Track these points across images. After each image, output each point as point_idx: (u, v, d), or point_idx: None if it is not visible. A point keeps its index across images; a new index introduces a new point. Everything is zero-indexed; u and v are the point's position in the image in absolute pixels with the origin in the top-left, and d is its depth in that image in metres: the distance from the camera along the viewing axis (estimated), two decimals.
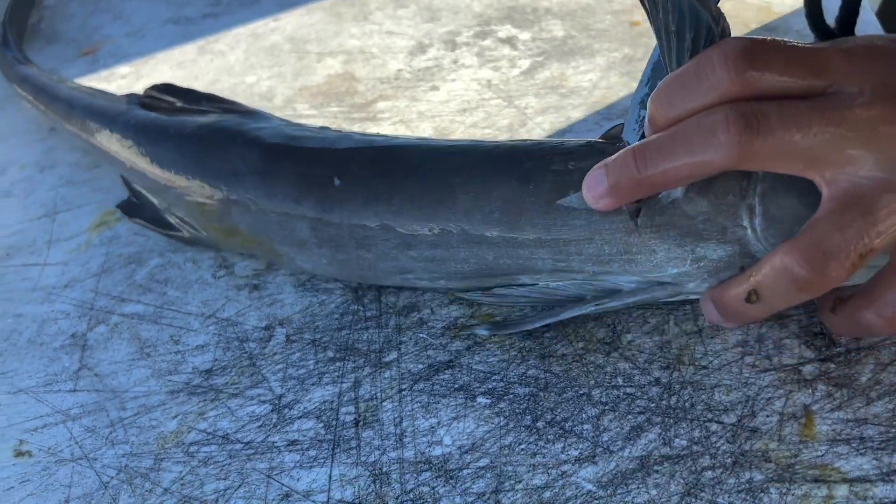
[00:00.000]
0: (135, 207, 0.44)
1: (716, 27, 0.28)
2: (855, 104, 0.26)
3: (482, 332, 0.34)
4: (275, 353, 0.35)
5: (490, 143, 0.35)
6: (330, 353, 0.35)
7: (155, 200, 0.43)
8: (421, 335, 0.35)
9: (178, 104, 0.45)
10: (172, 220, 0.42)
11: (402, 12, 0.60)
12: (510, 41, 0.54)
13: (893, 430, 0.28)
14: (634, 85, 0.47)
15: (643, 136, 0.30)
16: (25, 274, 0.42)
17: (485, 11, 0.58)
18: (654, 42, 0.51)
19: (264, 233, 0.38)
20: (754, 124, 0.26)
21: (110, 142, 0.45)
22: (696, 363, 0.32)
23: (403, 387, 0.33)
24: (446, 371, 0.33)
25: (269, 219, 0.37)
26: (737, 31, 0.51)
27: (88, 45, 0.64)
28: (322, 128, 0.40)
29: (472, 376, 0.33)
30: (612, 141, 0.33)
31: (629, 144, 0.30)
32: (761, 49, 0.27)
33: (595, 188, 0.29)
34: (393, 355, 0.34)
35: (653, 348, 0.32)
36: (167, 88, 0.46)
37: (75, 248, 0.43)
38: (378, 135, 0.38)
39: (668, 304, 0.34)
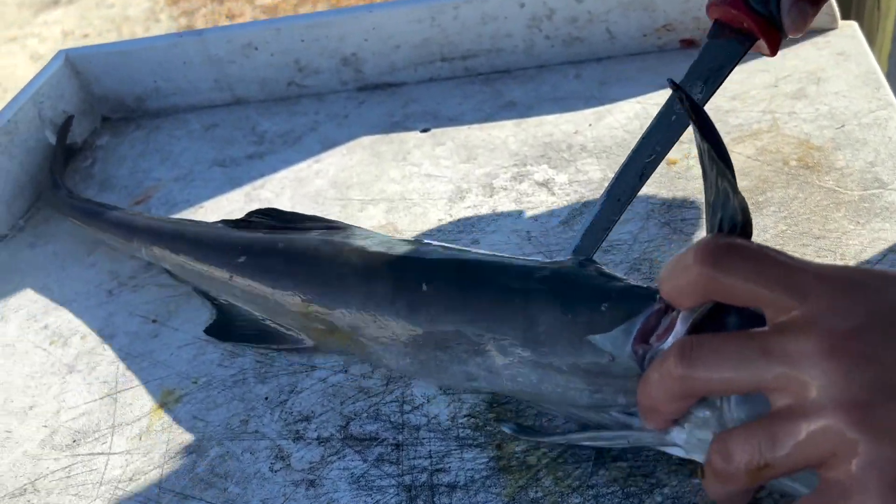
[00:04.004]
0: (223, 330, 0.49)
1: (739, 215, 0.31)
2: (800, 331, 0.28)
3: (506, 429, 0.39)
4: None
5: (552, 266, 0.39)
6: None
7: (255, 312, 0.48)
8: None
9: (277, 224, 0.50)
10: (273, 328, 0.47)
11: (440, 150, 0.61)
12: (547, 184, 0.55)
13: None
14: (676, 238, 0.47)
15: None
16: (92, 465, 0.44)
17: (520, 149, 0.59)
18: (690, 184, 0.51)
19: (360, 331, 0.43)
20: (687, 355, 0.29)
21: (209, 261, 0.50)
22: None
23: None
24: None
25: (365, 316, 0.42)
26: (776, 168, 0.51)
27: (140, 191, 0.66)
28: (418, 240, 0.45)
29: None
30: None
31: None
32: (730, 254, 0.30)
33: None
34: None
35: None
36: (270, 212, 0.51)
37: (137, 435, 0.45)
38: (463, 249, 0.44)
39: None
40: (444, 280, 0.41)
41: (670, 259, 0.32)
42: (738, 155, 0.52)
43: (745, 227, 0.32)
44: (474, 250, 0.44)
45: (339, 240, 0.46)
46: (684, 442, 0.33)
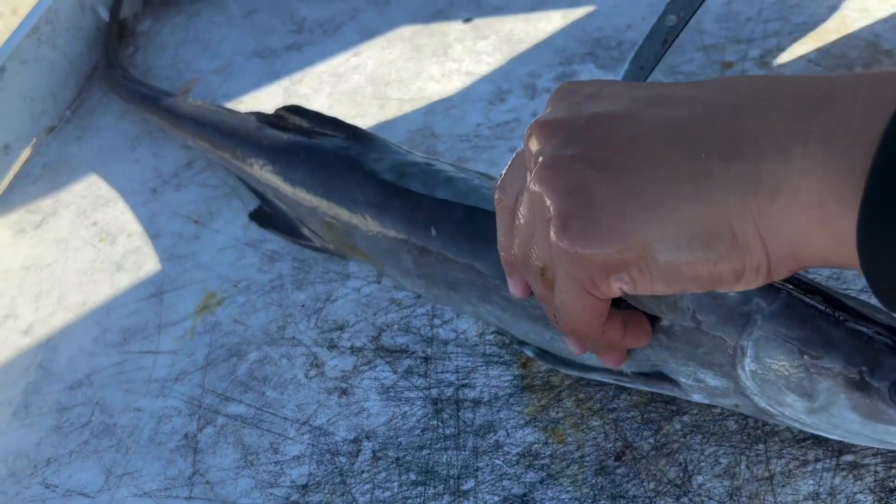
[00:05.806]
0: (266, 217, 0.51)
1: None
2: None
3: (528, 352, 0.39)
4: (363, 471, 0.38)
5: None
6: (412, 476, 0.37)
7: (287, 211, 0.49)
8: (497, 461, 0.37)
9: (305, 125, 0.49)
10: (304, 230, 0.48)
11: (482, 45, 0.58)
12: None
13: None
14: None
15: None
16: (141, 362, 0.46)
17: (566, 45, 0.56)
18: None
19: (378, 255, 0.44)
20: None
21: (244, 159, 0.51)
22: None
23: None
24: None
25: (381, 246, 0.43)
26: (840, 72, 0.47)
27: (181, 83, 0.66)
28: (429, 162, 0.43)
29: None
30: None
31: None
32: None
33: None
34: (470, 483, 0.36)
35: (722, 495, 0.33)
36: (295, 110, 0.50)
37: (182, 336, 0.47)
38: (476, 188, 0.40)
39: (741, 444, 0.34)
40: (452, 227, 0.39)
41: None
42: (799, 58, 0.49)
43: None
44: (491, 178, 0.42)
45: (354, 157, 0.45)
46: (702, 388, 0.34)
